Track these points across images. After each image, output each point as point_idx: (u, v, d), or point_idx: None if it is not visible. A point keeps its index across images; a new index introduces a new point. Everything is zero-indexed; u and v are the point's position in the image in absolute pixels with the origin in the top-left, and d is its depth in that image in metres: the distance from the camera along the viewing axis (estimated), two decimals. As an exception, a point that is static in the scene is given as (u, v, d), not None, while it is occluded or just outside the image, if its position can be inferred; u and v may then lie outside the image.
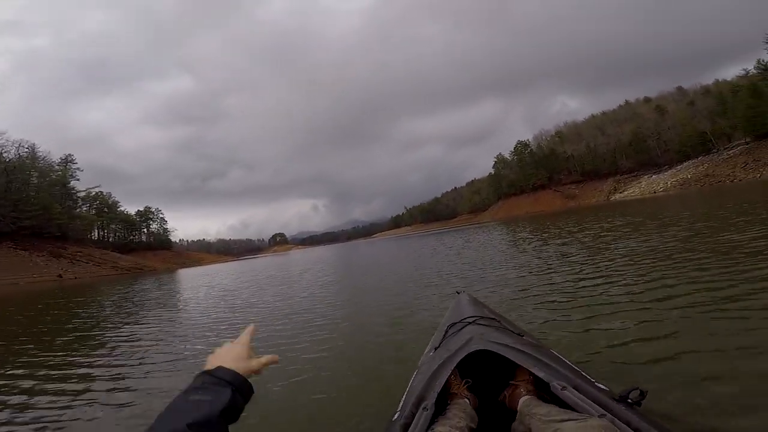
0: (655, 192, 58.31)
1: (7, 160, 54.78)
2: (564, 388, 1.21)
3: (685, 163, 66.11)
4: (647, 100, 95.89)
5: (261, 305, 8.12)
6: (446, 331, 1.95)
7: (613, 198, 69.57)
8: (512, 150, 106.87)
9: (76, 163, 70.04)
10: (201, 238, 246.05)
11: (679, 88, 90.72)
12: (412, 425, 1.22)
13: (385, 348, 3.84)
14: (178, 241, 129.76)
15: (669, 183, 61.03)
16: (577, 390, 1.21)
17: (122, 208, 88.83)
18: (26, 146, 59.97)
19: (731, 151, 58.03)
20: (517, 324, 2.55)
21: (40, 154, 62.16)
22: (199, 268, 50.17)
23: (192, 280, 20.68)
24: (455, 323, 1.98)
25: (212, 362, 0.81)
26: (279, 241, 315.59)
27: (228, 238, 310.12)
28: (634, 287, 4.55)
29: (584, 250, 8.55)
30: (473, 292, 4.39)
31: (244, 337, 0.89)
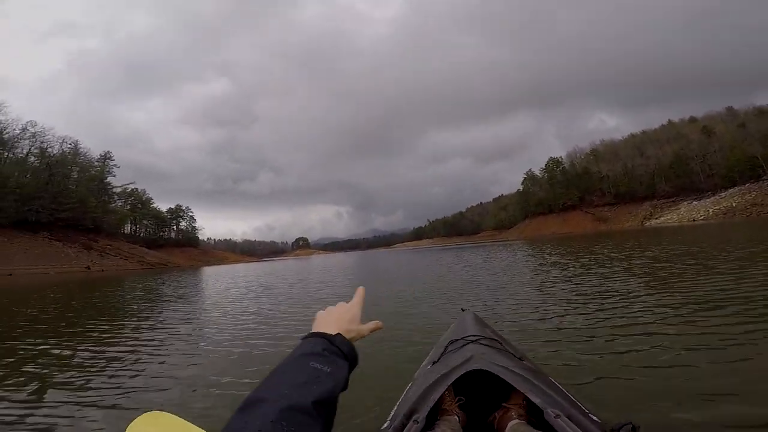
0: (694, 220, 53.64)
1: (51, 155, 57.88)
2: (557, 416, 1.19)
3: (730, 190, 60.96)
4: (693, 120, 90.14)
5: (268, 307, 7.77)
6: (446, 347, 1.95)
7: (648, 224, 64.91)
8: (543, 167, 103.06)
9: (114, 160, 73.26)
10: (228, 238, 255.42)
11: (729, 109, 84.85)
12: None
13: (383, 358, 3.69)
14: (205, 240, 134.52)
15: (711, 211, 56.10)
16: (570, 419, 1.19)
17: (155, 205, 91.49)
18: (69, 142, 63.26)
19: (787, 180, 52.95)
20: (518, 347, 2.41)
21: (82, 150, 65.57)
22: (222, 266, 50.55)
23: (213, 278, 20.30)
24: (456, 340, 1.99)
25: (324, 321, 0.78)
26: (302, 245, 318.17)
27: (253, 240, 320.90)
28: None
29: (628, 279, 7.24)
30: (479, 311, 4.21)
31: (358, 298, 0.87)
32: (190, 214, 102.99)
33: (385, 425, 1.37)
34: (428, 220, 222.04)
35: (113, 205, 71.35)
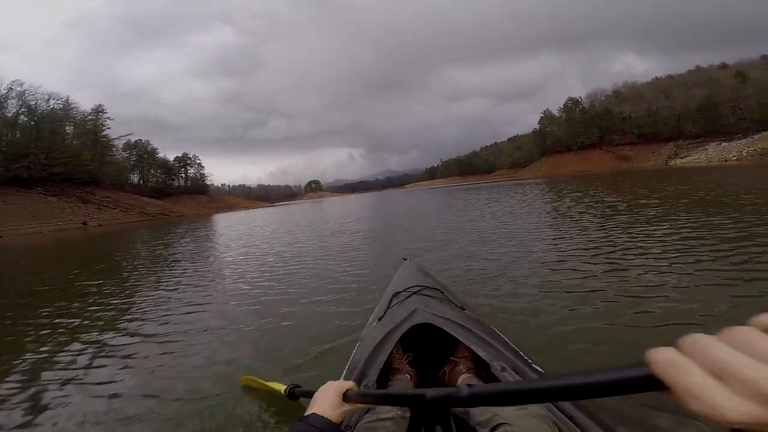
0: (726, 160, 51.46)
1: (38, 111, 58.36)
2: (503, 369, 1.22)
3: (765, 132, 57.92)
4: (724, 66, 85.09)
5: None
6: (391, 300, 1.94)
7: (673, 163, 62.83)
8: (561, 107, 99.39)
9: (107, 113, 72.92)
10: (242, 184, 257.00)
11: (765, 57, 79.08)
12: None
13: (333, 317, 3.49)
14: (220, 186, 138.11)
15: (744, 151, 53.65)
16: (515, 372, 1.21)
17: (161, 155, 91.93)
18: (58, 99, 63.80)
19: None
20: (459, 296, 2.36)
21: (74, 105, 66.64)
22: (232, 215, 47.69)
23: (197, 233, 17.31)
24: (399, 292, 1.99)
25: (316, 401, 0.92)
26: (314, 188, 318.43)
27: (267, 184, 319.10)
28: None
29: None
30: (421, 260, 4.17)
31: (336, 385, 0.94)
32: (198, 161, 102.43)
33: None
34: (441, 160, 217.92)
35: (111, 156, 71.53)
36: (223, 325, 3.65)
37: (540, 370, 1.29)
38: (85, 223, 45.33)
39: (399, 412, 1.17)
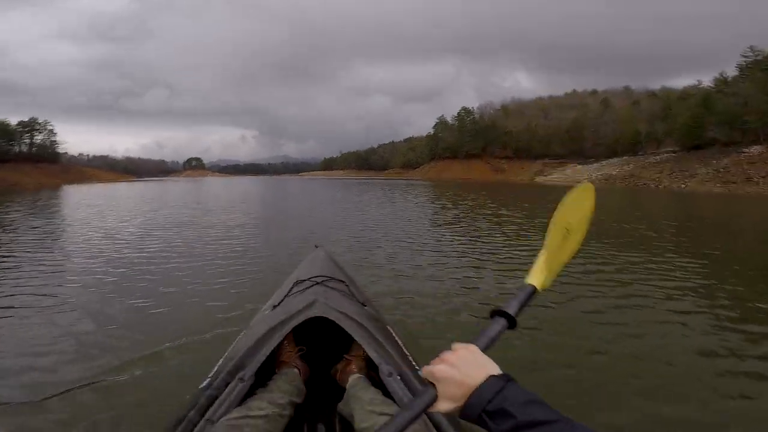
0: (578, 182, 56.42)
1: None
2: (390, 374, 1.22)
3: (612, 159, 65.79)
4: (594, 92, 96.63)
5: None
6: (291, 288, 1.88)
7: (537, 179, 68.32)
8: (455, 115, 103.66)
9: None
10: (107, 155, 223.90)
11: (627, 88, 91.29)
12: (222, 396, 1.11)
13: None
14: (76, 156, 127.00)
15: (594, 176, 60.12)
16: (401, 378, 1.22)
17: (1, 118, 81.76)
18: None
19: (658, 157, 57.94)
20: (363, 291, 2.34)
21: None
22: (81, 187, 44.12)
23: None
24: (303, 280, 1.93)
25: None
26: (194, 166, 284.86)
27: (137, 157, 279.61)
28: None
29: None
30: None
31: None
32: (50, 127, 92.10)
33: (205, 382, 1.24)
34: (340, 152, 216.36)
35: None
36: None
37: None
38: None
39: (276, 410, 1.10)
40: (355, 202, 15.70)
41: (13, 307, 3.68)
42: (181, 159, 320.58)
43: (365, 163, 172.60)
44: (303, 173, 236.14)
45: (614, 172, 59.25)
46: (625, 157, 63.95)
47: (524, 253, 6.19)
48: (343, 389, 1.33)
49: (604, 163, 66.07)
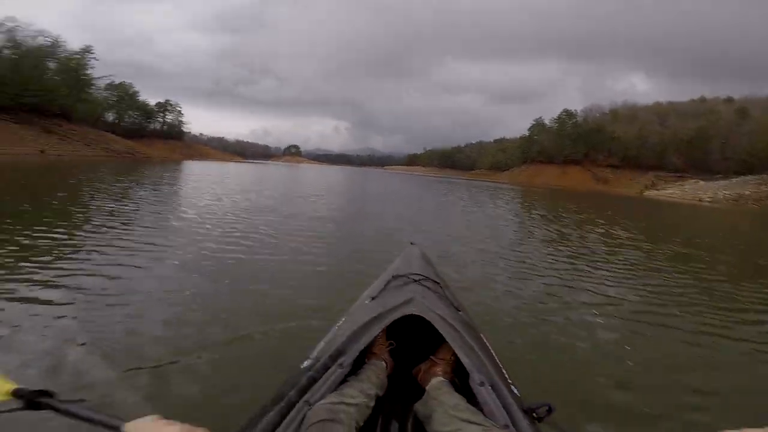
0: (700, 200, 49.64)
1: (23, 47, 56.17)
2: (482, 383, 1.17)
3: (747, 176, 56.35)
4: (729, 100, 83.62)
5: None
6: (388, 282, 1.90)
7: (647, 193, 60.93)
8: (555, 117, 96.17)
9: (94, 53, 71.08)
10: (221, 136, 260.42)
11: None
12: (322, 380, 1.15)
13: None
14: (198, 135, 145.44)
15: (720, 194, 51.94)
16: (493, 389, 1.17)
17: (143, 99, 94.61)
18: (47, 37, 61.78)
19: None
20: (457, 295, 2.33)
21: (63, 44, 64.42)
22: (198, 163, 52.07)
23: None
24: (400, 276, 1.94)
25: None
26: (293, 153, 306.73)
27: (246, 141, 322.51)
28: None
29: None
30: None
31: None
32: (178, 108, 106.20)
33: (306, 363, 1.30)
34: (424, 148, 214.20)
35: (89, 94, 69.62)
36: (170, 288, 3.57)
37: (516, 392, 1.23)
38: (42, 151, 43.93)
39: (365, 400, 1.13)
40: (441, 203, 15.84)
41: (133, 266, 4.19)
42: (283, 145, 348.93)
43: (449, 161, 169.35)
44: (387, 167, 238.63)
45: (747, 192, 50.89)
46: (763, 175, 54.38)
47: (656, 292, 4.93)
48: (422, 390, 1.30)
49: (734, 180, 56.88)
